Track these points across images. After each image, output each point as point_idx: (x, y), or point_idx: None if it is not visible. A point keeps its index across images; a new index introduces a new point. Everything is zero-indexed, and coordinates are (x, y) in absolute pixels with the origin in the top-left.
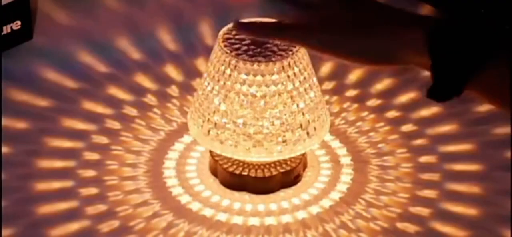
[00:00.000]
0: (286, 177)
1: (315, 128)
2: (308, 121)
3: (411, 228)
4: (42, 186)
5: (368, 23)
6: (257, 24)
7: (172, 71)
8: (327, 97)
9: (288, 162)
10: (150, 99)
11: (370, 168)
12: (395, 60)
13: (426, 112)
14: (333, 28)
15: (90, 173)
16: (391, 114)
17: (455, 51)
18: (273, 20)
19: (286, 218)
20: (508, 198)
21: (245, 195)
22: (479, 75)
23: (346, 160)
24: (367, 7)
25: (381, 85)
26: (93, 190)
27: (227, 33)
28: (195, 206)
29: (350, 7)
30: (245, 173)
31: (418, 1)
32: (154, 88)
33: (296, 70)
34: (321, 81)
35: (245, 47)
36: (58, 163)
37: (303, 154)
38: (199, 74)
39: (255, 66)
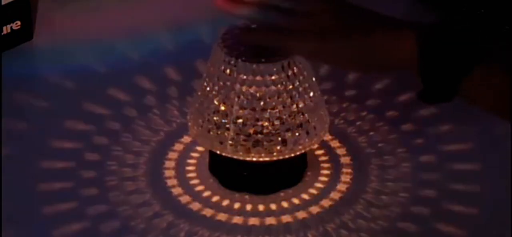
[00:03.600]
0: (286, 177)
1: (315, 128)
2: (308, 121)
3: (411, 227)
4: (42, 186)
5: (360, 30)
6: (249, 32)
7: (171, 71)
8: (326, 97)
9: (288, 162)
10: (150, 100)
11: (370, 168)
12: (387, 65)
13: (425, 111)
14: (326, 37)
15: (90, 173)
16: (391, 113)
17: (445, 54)
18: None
19: (286, 218)
20: (508, 198)
21: (245, 195)
22: (468, 79)
23: (345, 160)
24: (357, 14)
25: (381, 84)
26: (93, 191)
27: (226, 33)
28: (195, 206)
29: (341, 15)
30: (246, 173)
31: (418, 1)
32: (154, 89)
33: (296, 70)
34: (320, 80)
35: (244, 47)
36: (58, 164)
37: (303, 154)
38: (198, 75)
39: (255, 66)
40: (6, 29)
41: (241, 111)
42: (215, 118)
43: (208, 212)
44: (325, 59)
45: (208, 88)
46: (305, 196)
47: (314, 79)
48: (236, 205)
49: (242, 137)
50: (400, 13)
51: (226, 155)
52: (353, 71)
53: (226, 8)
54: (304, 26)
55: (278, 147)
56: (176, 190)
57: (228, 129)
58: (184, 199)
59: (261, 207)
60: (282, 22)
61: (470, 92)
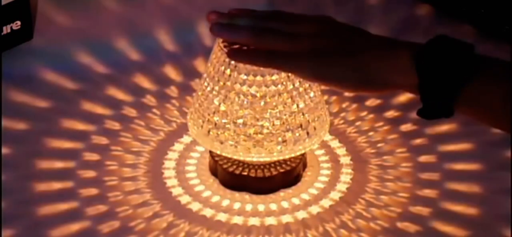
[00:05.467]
0: (286, 177)
1: (315, 128)
2: (308, 121)
3: (411, 227)
4: (42, 187)
5: (356, 50)
6: (249, 51)
7: (171, 71)
8: (326, 97)
9: (288, 162)
10: (150, 100)
11: (370, 168)
12: (383, 84)
13: None
14: (322, 57)
15: (90, 173)
16: (390, 113)
17: (442, 68)
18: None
19: (286, 218)
20: (508, 198)
21: (245, 195)
22: (467, 92)
23: (345, 160)
24: (353, 35)
25: None
26: (93, 191)
27: None
28: (195, 206)
29: (337, 36)
30: (245, 173)
31: (418, 1)
32: (153, 89)
33: None
34: None
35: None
36: (58, 164)
37: (303, 154)
38: (198, 75)
39: (255, 66)
40: (6, 29)
41: (241, 111)
42: (215, 118)
43: (208, 212)
44: (321, 80)
45: (208, 88)
46: (305, 196)
47: None
48: (236, 205)
49: (242, 137)
50: (402, 11)
51: (226, 155)
52: (349, 91)
53: (220, 34)
54: (299, 48)
55: (278, 147)
56: (176, 190)
57: (228, 129)
58: (184, 199)
59: (261, 207)
60: (277, 44)
61: (469, 106)
